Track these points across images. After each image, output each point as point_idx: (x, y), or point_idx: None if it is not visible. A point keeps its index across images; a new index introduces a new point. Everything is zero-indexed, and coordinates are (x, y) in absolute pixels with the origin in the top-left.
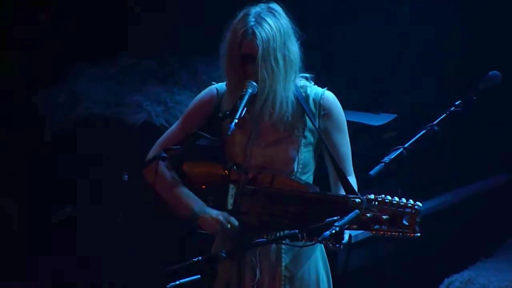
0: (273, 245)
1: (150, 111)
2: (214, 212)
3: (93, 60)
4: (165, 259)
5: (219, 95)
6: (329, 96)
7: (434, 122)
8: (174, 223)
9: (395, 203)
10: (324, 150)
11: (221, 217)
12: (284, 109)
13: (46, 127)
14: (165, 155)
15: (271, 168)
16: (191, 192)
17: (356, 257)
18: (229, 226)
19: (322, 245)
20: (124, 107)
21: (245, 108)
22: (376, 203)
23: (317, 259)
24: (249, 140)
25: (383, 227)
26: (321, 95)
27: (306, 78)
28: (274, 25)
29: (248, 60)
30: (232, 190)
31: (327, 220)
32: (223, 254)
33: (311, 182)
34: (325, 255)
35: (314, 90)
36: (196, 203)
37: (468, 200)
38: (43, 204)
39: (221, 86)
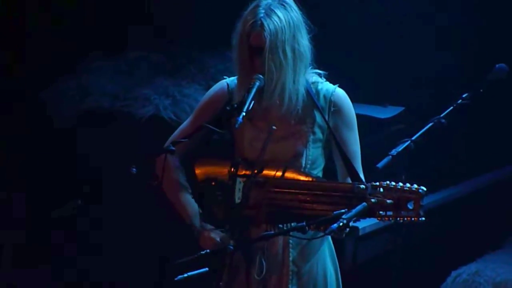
0: (280, 240)
1: (158, 104)
2: (212, 231)
3: (101, 53)
4: (173, 252)
5: (229, 90)
6: (340, 93)
7: (441, 115)
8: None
9: (399, 188)
10: (333, 146)
11: (218, 239)
12: (294, 103)
13: (54, 120)
14: (173, 148)
15: (279, 163)
16: (194, 202)
17: (363, 250)
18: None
19: (330, 239)
20: (132, 100)
21: (253, 101)
22: (381, 189)
23: (325, 254)
24: (266, 136)
25: (388, 212)
26: (332, 92)
27: (319, 75)
28: (284, 18)
29: (256, 51)
30: (239, 184)
31: (334, 213)
32: (231, 247)
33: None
34: (333, 249)
35: (325, 86)
36: (196, 217)
37: (476, 193)
38: (51, 199)
39: (232, 80)
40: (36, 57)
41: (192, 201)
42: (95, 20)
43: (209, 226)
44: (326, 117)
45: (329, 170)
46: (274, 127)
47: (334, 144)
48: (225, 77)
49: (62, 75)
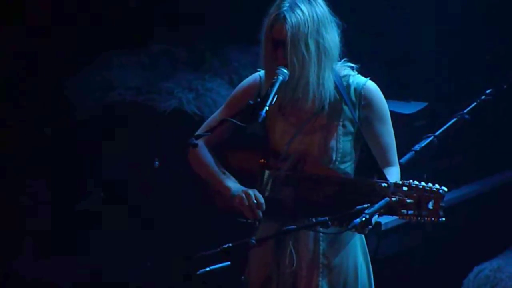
0: (311, 233)
1: (181, 98)
2: (246, 188)
3: (125, 47)
4: (195, 245)
5: (261, 82)
6: (371, 86)
7: (465, 111)
8: (207, 209)
9: (420, 188)
10: (366, 140)
11: (250, 191)
12: (319, 97)
13: (78, 112)
14: (196, 142)
15: (309, 156)
16: (228, 173)
17: (386, 245)
18: (255, 201)
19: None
20: (155, 94)
21: (276, 96)
22: (403, 188)
23: (356, 248)
24: (297, 128)
25: (408, 211)
26: (362, 85)
27: (352, 68)
28: (308, 12)
29: (278, 44)
30: (269, 177)
31: (357, 207)
32: (253, 241)
33: (351, 171)
34: (365, 244)
35: (356, 79)
36: (232, 183)
37: (497, 189)
38: (73, 190)
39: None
40: (61, 48)
41: (228, 174)
42: (120, 13)
43: (243, 188)
44: (357, 111)
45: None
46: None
47: (362, 139)
48: (258, 69)
49: (86, 68)
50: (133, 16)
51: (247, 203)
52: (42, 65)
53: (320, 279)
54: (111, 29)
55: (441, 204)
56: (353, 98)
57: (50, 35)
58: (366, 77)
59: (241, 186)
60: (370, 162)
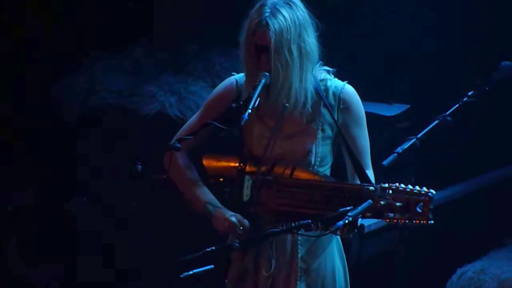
0: (289, 236)
1: (163, 102)
2: (228, 213)
3: (108, 50)
4: (178, 248)
5: (238, 86)
6: (349, 89)
7: (447, 113)
8: (188, 213)
9: (408, 191)
10: (342, 144)
11: (233, 219)
12: (301, 101)
13: (62, 116)
14: (178, 145)
15: (288, 160)
16: (206, 189)
17: (369, 246)
18: (241, 228)
19: (338, 236)
20: (138, 97)
21: (258, 99)
22: (390, 191)
23: (333, 251)
24: (272, 132)
25: (396, 215)
26: (341, 89)
27: (328, 72)
28: (289, 17)
29: (262, 50)
30: (248, 181)
31: (340, 210)
32: (237, 244)
33: (328, 174)
34: (342, 247)
35: (334, 83)
36: (210, 201)
37: (481, 190)
38: (58, 195)
39: (241, 77)
40: (47, 51)
41: (204, 187)
42: (102, 16)
43: (223, 208)
44: (336, 115)
45: (338, 166)
46: (287, 105)
47: (343, 142)
48: (233, 73)
49: (71, 71)
50: (117, 19)
51: (235, 232)
52: (35, 66)
53: (299, 283)
54: (95, 32)
55: (430, 207)
56: (332, 102)
57: (45, 35)
58: (347, 79)
59: (221, 210)
60: (353, 165)
